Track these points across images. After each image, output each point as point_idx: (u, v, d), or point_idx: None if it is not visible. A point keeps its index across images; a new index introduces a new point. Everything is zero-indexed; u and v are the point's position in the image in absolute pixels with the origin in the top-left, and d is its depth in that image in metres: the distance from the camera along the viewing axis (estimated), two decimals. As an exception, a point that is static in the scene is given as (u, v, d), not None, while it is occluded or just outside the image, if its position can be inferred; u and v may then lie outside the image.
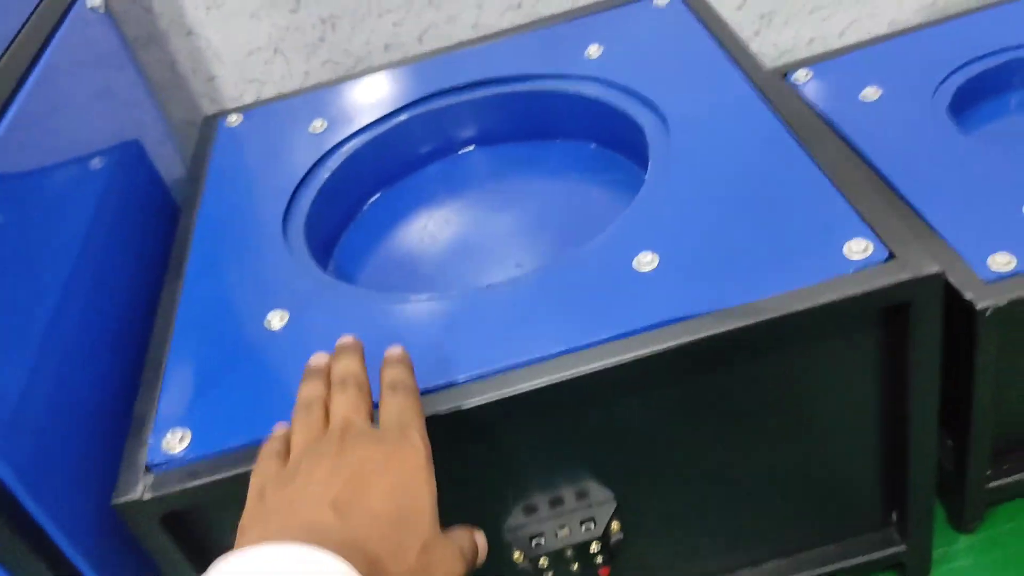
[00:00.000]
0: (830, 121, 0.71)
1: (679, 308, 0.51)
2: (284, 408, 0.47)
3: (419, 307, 0.57)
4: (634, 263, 0.55)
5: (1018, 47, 0.74)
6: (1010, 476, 0.64)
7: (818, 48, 1.22)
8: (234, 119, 0.83)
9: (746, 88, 0.68)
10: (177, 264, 0.66)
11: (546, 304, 0.54)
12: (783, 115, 0.64)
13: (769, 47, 1.21)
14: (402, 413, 0.43)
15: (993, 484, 0.63)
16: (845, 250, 0.51)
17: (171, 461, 0.51)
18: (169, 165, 0.86)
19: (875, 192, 0.55)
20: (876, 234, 0.51)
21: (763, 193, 0.57)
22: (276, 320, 0.59)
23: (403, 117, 0.78)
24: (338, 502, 0.38)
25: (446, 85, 0.79)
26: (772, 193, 0.57)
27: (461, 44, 0.85)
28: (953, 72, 0.73)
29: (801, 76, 0.78)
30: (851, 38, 1.21)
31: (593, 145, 0.77)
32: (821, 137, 0.61)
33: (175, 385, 0.56)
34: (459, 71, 0.80)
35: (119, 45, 0.86)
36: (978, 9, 0.80)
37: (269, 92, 1.13)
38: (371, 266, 0.71)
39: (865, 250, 0.50)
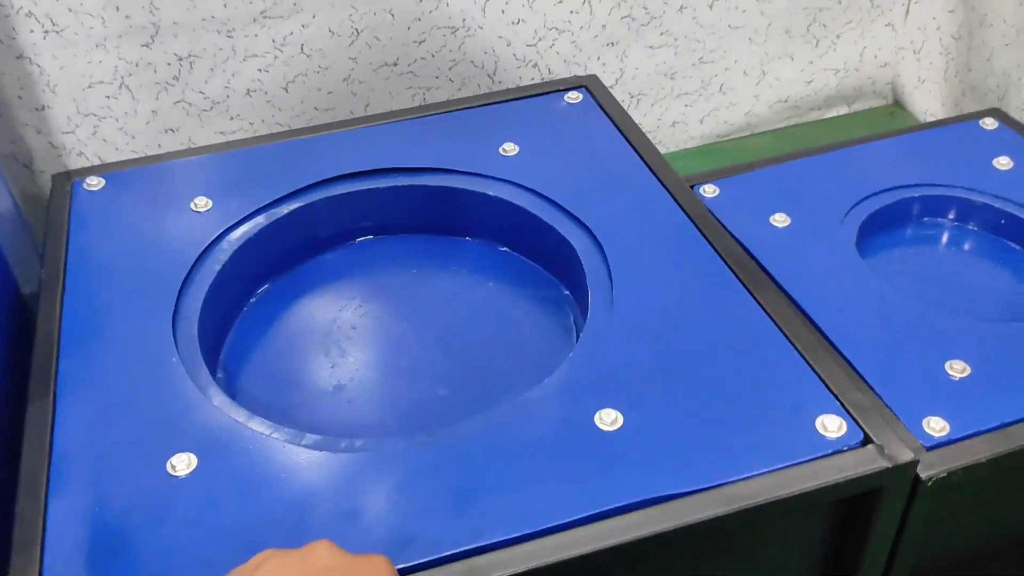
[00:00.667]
0: (747, 248, 0.71)
1: (649, 482, 0.48)
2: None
3: (351, 461, 0.50)
4: (596, 420, 0.51)
5: (912, 185, 0.78)
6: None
7: (680, 131, 1.25)
8: (95, 183, 0.71)
9: (676, 211, 0.67)
10: (42, 376, 0.55)
11: (502, 464, 0.49)
12: (719, 250, 0.64)
13: (636, 126, 1.23)
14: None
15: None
16: (819, 426, 0.50)
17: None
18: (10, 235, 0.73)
19: (825, 351, 0.55)
20: (846, 410, 0.51)
21: (722, 347, 0.56)
22: (182, 465, 0.50)
23: (300, 202, 0.70)
24: None
25: (350, 169, 0.72)
26: (732, 348, 0.55)
27: (363, 120, 0.78)
28: (856, 204, 0.76)
29: (708, 191, 0.79)
30: (709, 126, 1.26)
31: (503, 248, 0.73)
32: (762, 282, 0.60)
33: (59, 556, 0.46)
34: (366, 153, 0.73)
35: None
36: (863, 141, 0.84)
37: (108, 129, 0.99)
38: (263, 374, 0.63)
39: (839, 429, 0.50)
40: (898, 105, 1.32)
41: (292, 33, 1.00)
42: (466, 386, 0.61)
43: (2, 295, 0.70)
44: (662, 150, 1.26)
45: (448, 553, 0.44)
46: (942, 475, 0.54)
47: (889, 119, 1.30)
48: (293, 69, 1.03)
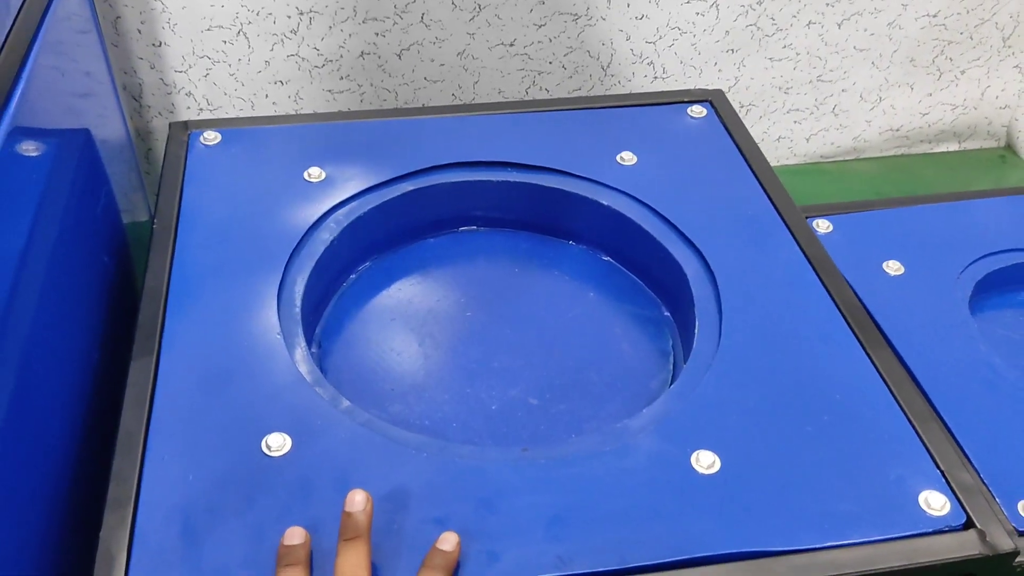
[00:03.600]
0: (857, 293, 0.69)
1: (742, 535, 0.47)
2: None
3: (447, 465, 0.50)
4: (693, 461, 0.51)
5: (1031, 250, 0.75)
6: None
7: (784, 147, 1.22)
8: (212, 138, 0.71)
9: (793, 248, 0.66)
10: (148, 333, 0.56)
11: (596, 494, 0.49)
12: (835, 296, 0.62)
13: (740, 136, 1.20)
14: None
15: None
16: (922, 503, 0.49)
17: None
18: (120, 165, 0.74)
19: (935, 423, 0.53)
20: (952, 488, 0.50)
21: (830, 403, 0.54)
22: (277, 444, 0.50)
23: (411, 186, 0.69)
24: None
25: (465, 158, 0.71)
26: (840, 406, 0.54)
27: (478, 107, 0.77)
28: (974, 261, 0.73)
29: (822, 226, 0.77)
30: (815, 145, 1.22)
31: (606, 258, 0.72)
32: (877, 339, 0.59)
33: (153, 520, 0.47)
34: (479, 142, 0.72)
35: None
36: (981, 196, 0.81)
37: (220, 73, 1.00)
38: (356, 356, 0.63)
39: (943, 508, 0.48)
40: (1010, 149, 1.27)
41: (415, 1, 0.99)
42: (557, 398, 0.60)
43: (108, 226, 0.71)
44: (762, 163, 1.23)
45: (535, 580, 0.44)
46: (1036, 565, 0.52)
47: (999, 162, 1.25)
48: (410, 37, 1.02)
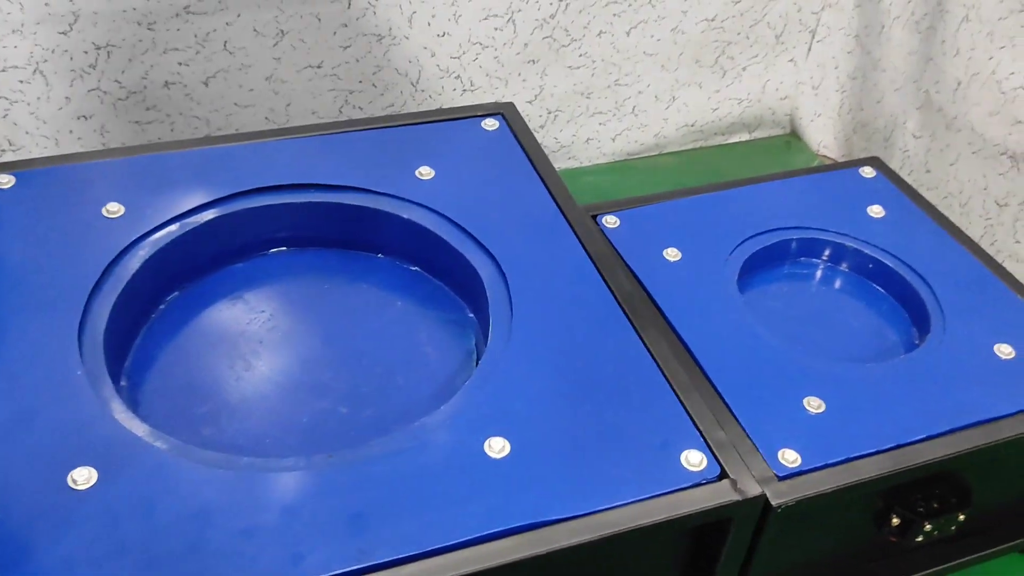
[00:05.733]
0: (641, 280, 0.76)
1: (529, 509, 0.52)
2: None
3: (250, 479, 0.53)
4: (486, 447, 0.56)
5: (792, 228, 0.84)
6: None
7: (593, 147, 1.30)
8: (5, 181, 0.71)
9: (576, 247, 0.72)
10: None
11: (395, 488, 0.53)
12: (612, 287, 0.68)
13: (551, 140, 1.27)
14: None
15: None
16: (683, 461, 0.55)
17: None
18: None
19: (696, 390, 0.61)
20: (708, 445, 0.57)
21: (606, 383, 0.60)
22: (83, 478, 0.52)
23: (214, 213, 0.72)
24: None
25: (273, 181, 0.74)
26: (615, 384, 0.60)
27: (281, 132, 0.80)
28: (742, 242, 0.82)
29: (610, 221, 0.83)
30: (621, 144, 1.31)
31: (413, 267, 0.76)
32: (647, 320, 0.65)
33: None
34: (287, 166, 0.75)
35: None
36: (756, 181, 0.90)
37: (19, 113, 0.98)
38: (167, 385, 0.65)
39: (700, 464, 0.55)
40: (795, 135, 1.39)
41: (215, 30, 1.01)
42: (368, 405, 0.64)
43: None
44: (576, 164, 1.31)
45: (334, 573, 0.48)
46: (791, 503, 0.60)
47: (785, 148, 1.38)
48: (215, 64, 1.03)
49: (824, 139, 1.37)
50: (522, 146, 0.82)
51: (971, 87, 1.07)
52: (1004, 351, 0.73)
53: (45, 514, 0.50)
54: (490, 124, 0.84)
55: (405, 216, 0.74)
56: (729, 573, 0.60)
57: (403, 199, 0.74)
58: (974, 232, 1.09)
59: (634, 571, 0.60)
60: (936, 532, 0.70)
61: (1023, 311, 0.77)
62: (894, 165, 1.22)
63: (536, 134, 1.23)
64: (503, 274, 0.69)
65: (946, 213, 1.13)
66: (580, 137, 1.29)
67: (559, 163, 1.29)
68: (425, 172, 0.77)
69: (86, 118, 1.02)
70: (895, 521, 0.69)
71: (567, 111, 1.25)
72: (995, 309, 0.77)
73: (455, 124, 0.83)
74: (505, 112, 0.86)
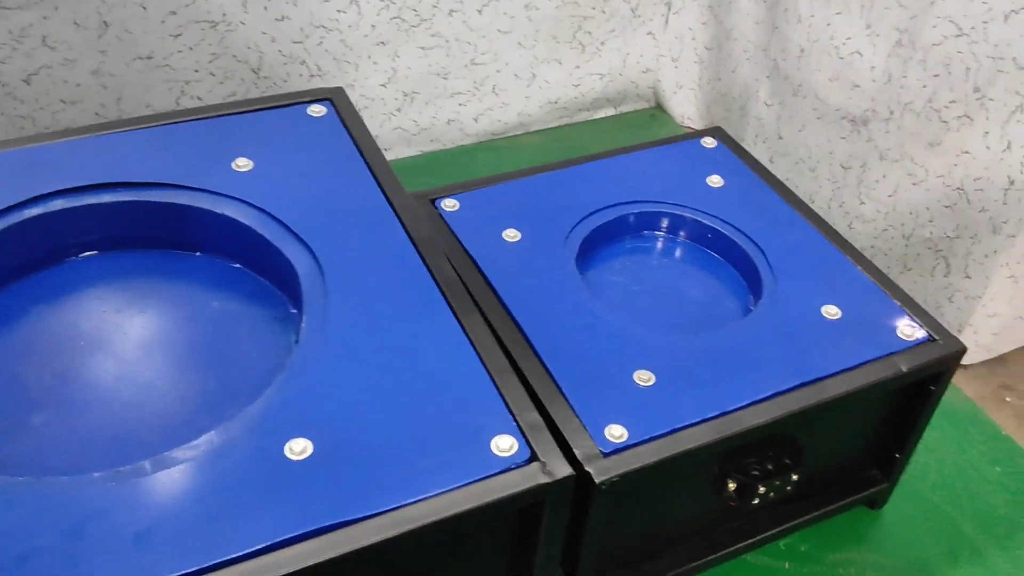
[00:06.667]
0: (478, 263, 0.75)
1: (328, 510, 0.50)
2: None
3: (33, 501, 0.50)
4: (286, 450, 0.53)
5: (632, 202, 0.84)
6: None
7: (455, 129, 1.28)
8: None
9: (401, 234, 0.70)
10: None
11: (186, 500, 0.50)
12: (434, 273, 0.67)
13: (409, 123, 1.25)
14: None
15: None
16: (493, 447, 0.54)
17: None
18: None
19: (528, 371, 0.60)
20: (521, 429, 0.56)
21: (423, 373, 0.59)
22: None
23: (10, 221, 0.67)
24: None
25: (70, 183, 0.70)
26: (431, 373, 0.59)
27: (89, 128, 0.76)
28: (581, 220, 0.81)
29: (449, 205, 0.82)
30: (484, 124, 1.29)
31: (236, 264, 0.73)
32: (468, 306, 0.64)
33: None
34: (87, 165, 0.71)
35: None
36: (599, 157, 0.90)
37: None
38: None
39: (510, 448, 0.54)
40: (660, 108, 1.40)
41: (31, 24, 0.95)
42: (178, 412, 0.61)
43: None
44: (439, 147, 1.29)
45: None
46: (615, 479, 0.60)
47: (650, 121, 1.38)
48: (36, 61, 0.98)
49: (687, 111, 1.38)
50: (350, 132, 0.79)
51: (812, 54, 1.09)
52: (831, 312, 0.74)
53: None
54: (316, 110, 0.81)
55: (218, 211, 0.70)
56: (552, 552, 0.59)
57: (217, 193, 0.71)
58: (823, 195, 1.12)
59: (466, 557, 0.59)
60: (772, 494, 0.71)
61: (850, 272, 0.78)
62: (749, 133, 1.23)
63: (393, 117, 1.21)
64: (320, 267, 0.66)
65: (798, 179, 1.16)
66: (440, 119, 1.27)
67: (420, 146, 1.26)
68: (243, 164, 0.74)
69: None
70: (731, 486, 0.70)
71: (424, 93, 1.23)
72: (824, 271, 0.78)
73: (278, 112, 0.80)
74: (333, 97, 0.83)
